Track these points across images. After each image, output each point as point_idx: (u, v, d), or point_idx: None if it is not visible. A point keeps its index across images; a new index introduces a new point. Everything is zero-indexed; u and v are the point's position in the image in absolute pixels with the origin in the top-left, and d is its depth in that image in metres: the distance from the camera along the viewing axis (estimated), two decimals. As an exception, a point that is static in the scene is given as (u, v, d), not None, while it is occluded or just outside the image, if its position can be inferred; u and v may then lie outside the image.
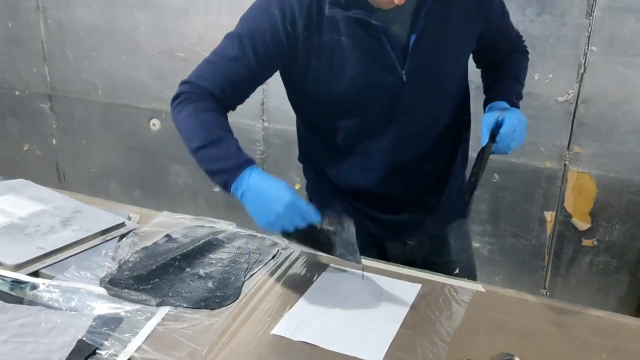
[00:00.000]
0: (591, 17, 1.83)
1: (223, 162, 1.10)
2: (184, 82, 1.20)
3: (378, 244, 1.40)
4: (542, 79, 1.94)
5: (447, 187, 1.32)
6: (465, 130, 1.34)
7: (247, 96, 1.22)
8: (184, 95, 1.17)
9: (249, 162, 1.10)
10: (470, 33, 1.20)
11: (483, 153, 1.18)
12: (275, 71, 1.21)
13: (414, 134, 1.23)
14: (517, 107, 1.27)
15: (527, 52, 1.41)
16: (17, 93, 2.98)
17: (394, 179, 1.28)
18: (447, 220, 1.39)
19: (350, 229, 1.11)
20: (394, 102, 1.18)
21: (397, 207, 1.33)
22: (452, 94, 1.26)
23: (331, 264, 1.30)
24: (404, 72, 1.14)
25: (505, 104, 1.24)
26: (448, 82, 1.22)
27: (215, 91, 1.16)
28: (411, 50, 1.13)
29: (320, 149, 1.32)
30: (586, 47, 1.86)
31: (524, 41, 1.41)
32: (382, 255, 1.37)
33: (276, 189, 1.07)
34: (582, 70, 1.89)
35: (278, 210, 1.04)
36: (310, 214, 1.07)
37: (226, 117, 1.18)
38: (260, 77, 1.20)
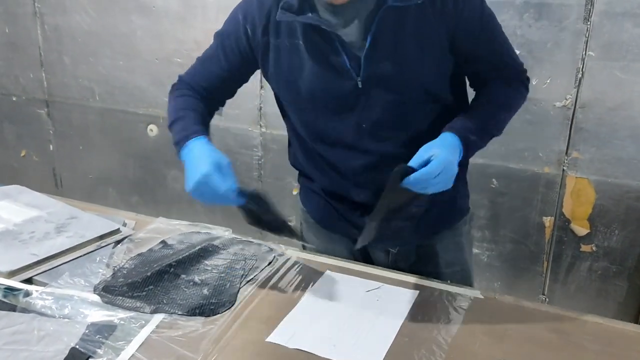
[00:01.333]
0: (589, 22, 1.83)
1: (179, 134, 1.21)
2: (179, 77, 1.35)
3: (362, 252, 1.38)
4: (540, 84, 1.94)
5: (427, 195, 1.23)
6: None
7: (231, 92, 1.34)
8: (173, 86, 1.34)
9: (196, 133, 1.18)
10: (431, 42, 1.12)
11: (392, 185, 1.06)
12: (250, 70, 1.30)
13: (383, 140, 1.20)
14: (471, 145, 1.14)
15: (525, 87, 1.25)
16: (14, 99, 2.98)
17: (368, 184, 1.25)
18: (433, 230, 1.33)
19: (269, 206, 1.13)
20: (353, 106, 1.16)
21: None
22: (425, 103, 1.19)
23: (327, 270, 1.29)
24: (359, 79, 1.13)
25: (454, 140, 1.11)
26: (413, 90, 1.16)
27: (196, 87, 1.30)
28: (365, 57, 1.11)
29: (299, 151, 1.34)
30: (584, 52, 1.86)
31: (524, 72, 1.26)
32: (368, 263, 1.36)
33: (198, 162, 1.11)
34: (580, 76, 1.89)
35: (190, 185, 1.09)
36: (223, 195, 1.07)
37: (200, 99, 1.29)
38: (235, 75, 1.29)
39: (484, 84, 1.24)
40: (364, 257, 1.38)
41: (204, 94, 1.31)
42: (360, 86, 1.14)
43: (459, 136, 1.11)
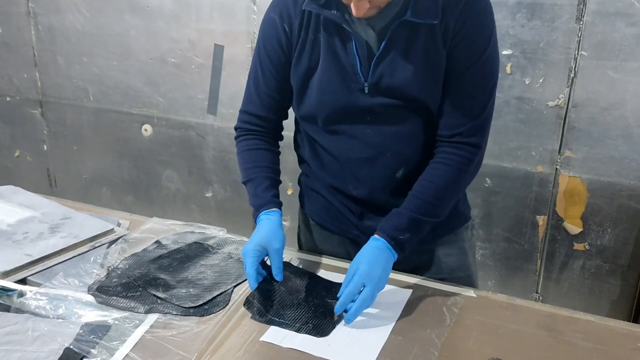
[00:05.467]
0: (581, 22, 1.84)
1: (251, 200, 1.29)
2: (240, 112, 1.36)
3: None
4: (533, 83, 1.95)
5: None
6: None
7: (290, 102, 1.31)
8: (238, 131, 1.36)
9: (266, 206, 1.25)
10: (435, 61, 1.15)
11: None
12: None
13: (384, 140, 1.22)
14: (406, 242, 1.17)
15: (471, 165, 1.21)
16: (7, 99, 2.97)
17: (366, 178, 1.26)
18: (433, 233, 1.26)
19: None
20: (358, 107, 1.19)
21: (374, 213, 1.30)
22: (428, 113, 1.20)
23: (322, 270, 1.30)
24: (366, 84, 1.16)
25: (380, 244, 1.16)
26: (417, 101, 1.17)
27: (261, 113, 1.32)
28: (374, 63, 1.15)
29: (303, 138, 1.35)
30: (576, 52, 1.87)
31: (476, 149, 1.21)
32: None
33: (252, 236, 1.21)
34: (572, 75, 1.90)
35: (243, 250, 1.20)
36: (248, 275, 1.17)
37: (268, 149, 1.33)
38: (288, 81, 1.26)
39: (441, 147, 1.21)
40: None
41: (265, 126, 1.33)
42: (366, 92, 1.17)
43: (387, 239, 1.16)
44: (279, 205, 1.27)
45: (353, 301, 1.10)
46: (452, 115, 1.19)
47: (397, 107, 1.18)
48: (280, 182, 1.34)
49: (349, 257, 1.36)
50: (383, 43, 1.13)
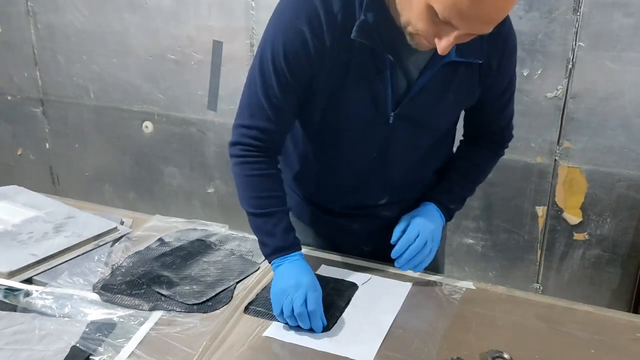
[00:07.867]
0: (578, 13, 1.84)
1: (266, 237, 1.16)
2: (237, 127, 1.17)
3: (336, 246, 1.39)
4: (532, 75, 1.95)
5: (408, 209, 1.27)
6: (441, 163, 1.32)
7: (295, 118, 1.21)
8: (240, 148, 1.16)
9: (292, 248, 1.16)
10: (467, 96, 1.17)
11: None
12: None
13: (373, 167, 1.21)
14: (452, 212, 1.29)
15: (502, 151, 1.36)
16: (9, 98, 2.98)
17: (351, 207, 1.30)
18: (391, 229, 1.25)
19: None
20: (376, 137, 1.16)
21: (352, 215, 1.32)
22: (434, 142, 1.24)
23: (323, 265, 1.31)
24: (392, 115, 1.11)
25: (432, 209, 1.24)
26: (434, 132, 1.22)
27: (275, 128, 1.14)
28: (408, 99, 1.10)
29: (294, 156, 1.30)
30: (574, 43, 1.87)
31: (511, 131, 1.34)
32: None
33: (284, 290, 1.10)
34: (570, 66, 1.90)
35: (277, 309, 1.10)
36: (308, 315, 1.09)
37: (277, 173, 1.19)
38: (306, 94, 1.13)
39: (474, 141, 1.34)
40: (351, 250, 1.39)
41: (274, 141, 1.17)
42: (391, 122, 1.13)
43: (437, 204, 1.26)
44: (300, 246, 1.18)
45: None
46: (484, 128, 1.31)
47: (413, 138, 1.18)
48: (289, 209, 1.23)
49: (330, 238, 1.40)
50: (423, 80, 1.08)
